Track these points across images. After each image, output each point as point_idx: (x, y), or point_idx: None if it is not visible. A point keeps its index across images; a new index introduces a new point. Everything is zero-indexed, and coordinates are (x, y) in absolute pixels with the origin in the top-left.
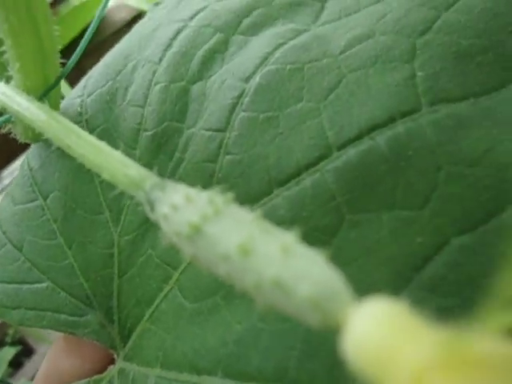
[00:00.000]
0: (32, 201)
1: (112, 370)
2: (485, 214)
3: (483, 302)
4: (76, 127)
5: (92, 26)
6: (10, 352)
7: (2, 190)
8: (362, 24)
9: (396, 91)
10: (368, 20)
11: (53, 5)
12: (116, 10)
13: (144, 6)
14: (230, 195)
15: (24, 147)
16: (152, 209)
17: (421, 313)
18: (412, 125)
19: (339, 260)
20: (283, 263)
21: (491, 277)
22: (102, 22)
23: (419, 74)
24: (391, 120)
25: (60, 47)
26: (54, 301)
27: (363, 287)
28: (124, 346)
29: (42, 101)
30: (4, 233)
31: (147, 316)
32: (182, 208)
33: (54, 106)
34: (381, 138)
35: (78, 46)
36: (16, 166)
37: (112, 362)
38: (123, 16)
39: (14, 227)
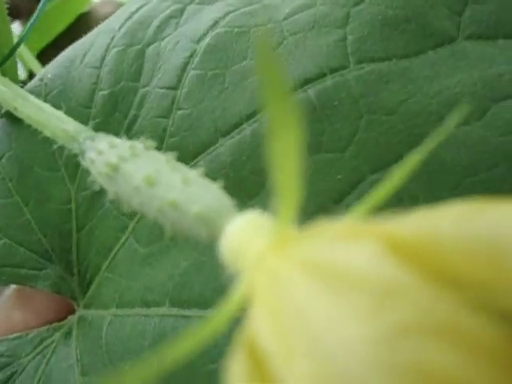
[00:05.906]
0: None
1: (72, 318)
2: (395, 155)
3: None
4: (23, 91)
5: None
6: None
7: None
8: None
9: (327, 51)
10: None
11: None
12: (100, 6)
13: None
14: (151, 143)
15: None
16: (83, 156)
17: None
18: (339, 79)
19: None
20: (181, 190)
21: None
22: (86, 17)
23: (349, 37)
24: (321, 75)
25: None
26: (12, 257)
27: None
28: (84, 296)
29: None
30: None
31: (105, 266)
32: (105, 152)
33: (12, 77)
34: (311, 91)
35: (63, 41)
36: None
37: (69, 313)
38: (107, 11)
39: None
